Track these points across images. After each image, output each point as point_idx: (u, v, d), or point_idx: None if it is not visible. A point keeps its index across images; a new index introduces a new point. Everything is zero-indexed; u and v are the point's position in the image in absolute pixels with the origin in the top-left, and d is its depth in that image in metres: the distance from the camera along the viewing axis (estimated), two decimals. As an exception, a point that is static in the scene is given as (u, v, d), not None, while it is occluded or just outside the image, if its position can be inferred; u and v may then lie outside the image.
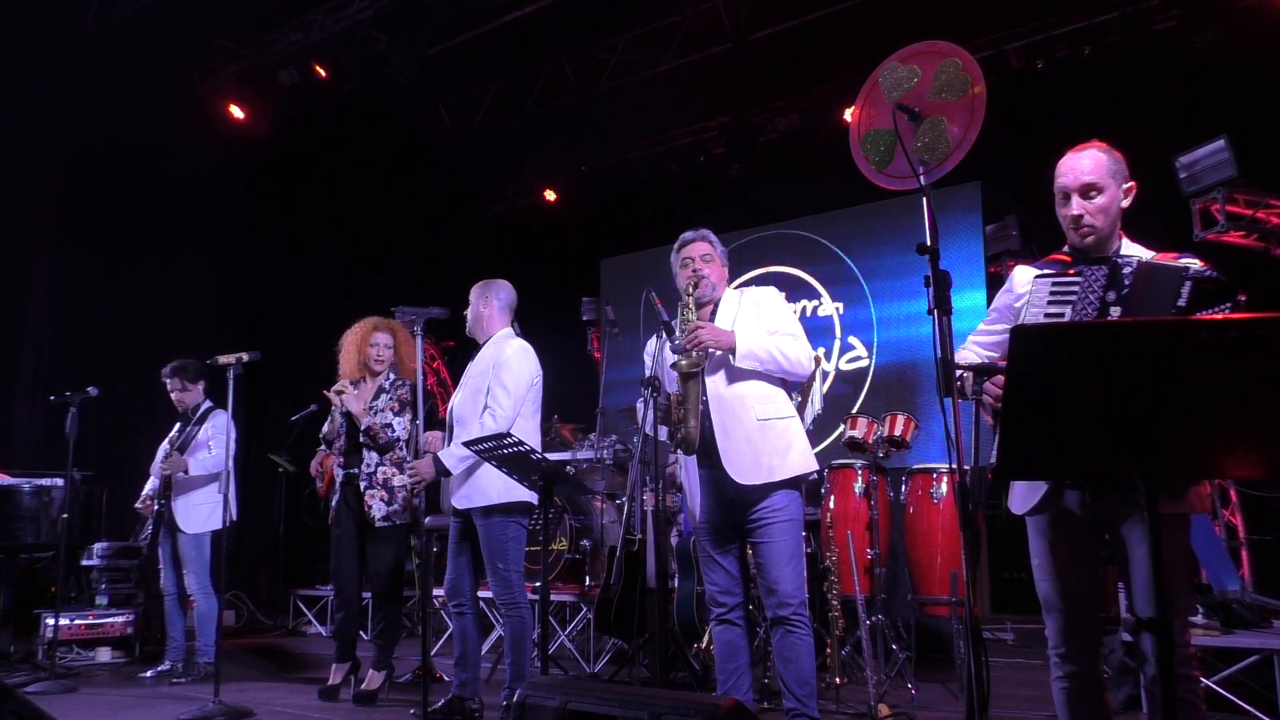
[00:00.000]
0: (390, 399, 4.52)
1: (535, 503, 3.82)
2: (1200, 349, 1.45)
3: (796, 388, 3.30)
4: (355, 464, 4.48)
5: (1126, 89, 6.83)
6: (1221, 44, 6.38)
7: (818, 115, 8.14)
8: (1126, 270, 2.12)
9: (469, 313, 4.12)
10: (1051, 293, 2.20)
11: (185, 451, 5.23)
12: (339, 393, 4.50)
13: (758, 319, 3.19)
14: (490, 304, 4.08)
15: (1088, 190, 2.28)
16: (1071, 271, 2.24)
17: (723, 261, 3.38)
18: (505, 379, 3.85)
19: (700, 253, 3.31)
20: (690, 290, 3.22)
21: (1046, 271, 2.28)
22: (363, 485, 4.43)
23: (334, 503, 4.55)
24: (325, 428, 4.67)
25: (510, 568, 3.83)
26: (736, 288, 3.39)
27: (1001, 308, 2.53)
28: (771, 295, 3.31)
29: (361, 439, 4.44)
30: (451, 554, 3.99)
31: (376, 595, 4.52)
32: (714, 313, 3.28)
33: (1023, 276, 2.43)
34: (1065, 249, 2.42)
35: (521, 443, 3.33)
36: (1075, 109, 7.01)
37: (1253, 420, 1.51)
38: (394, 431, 4.47)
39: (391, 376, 4.60)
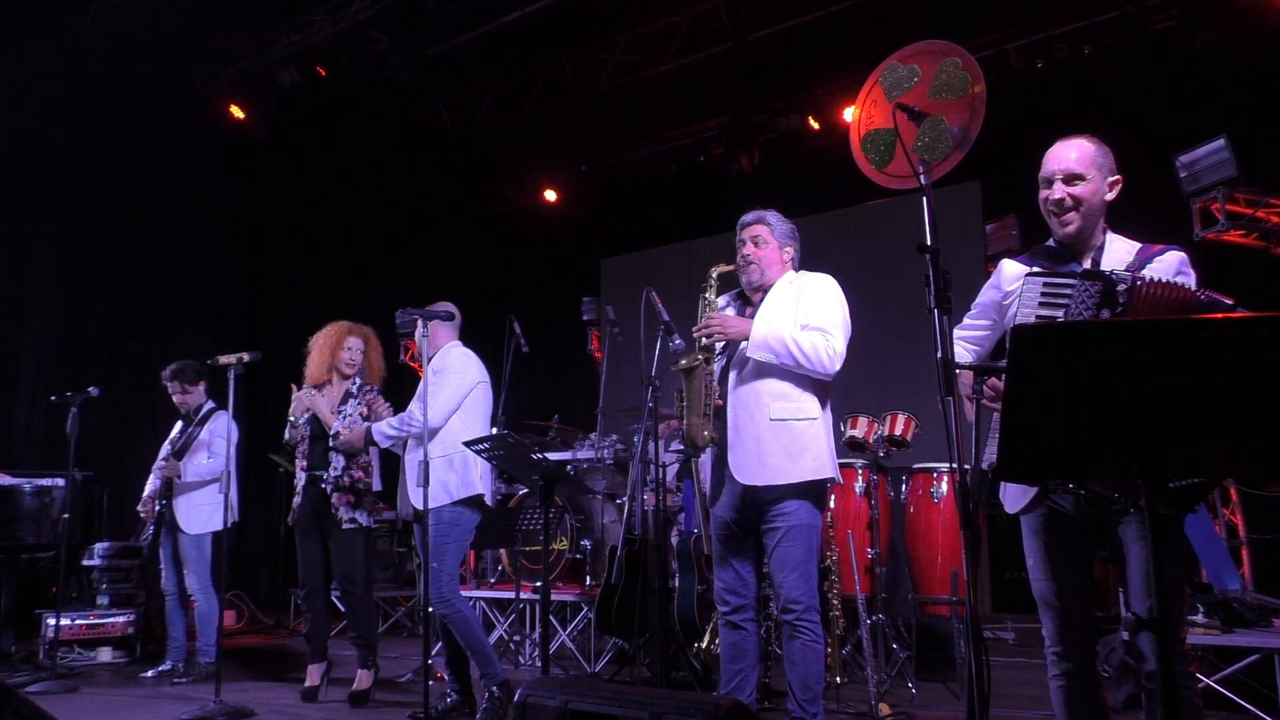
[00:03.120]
0: (359, 404, 4.53)
1: (477, 511, 4.01)
2: (1200, 349, 1.45)
3: (828, 386, 3.16)
4: (321, 467, 4.48)
5: (1126, 89, 6.83)
6: (1221, 44, 6.39)
7: (818, 115, 8.15)
8: (1121, 288, 2.07)
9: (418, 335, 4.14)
10: (1043, 294, 2.16)
11: (187, 452, 5.24)
12: (310, 394, 4.50)
13: (795, 308, 3.07)
14: (437, 326, 4.17)
15: (1071, 179, 2.28)
16: (1063, 274, 2.22)
17: (782, 244, 3.21)
18: (443, 379, 4.03)
19: (752, 235, 3.19)
20: (710, 285, 3.16)
21: (1037, 270, 2.24)
22: (328, 489, 4.43)
23: (295, 504, 4.54)
24: (287, 434, 4.63)
25: (444, 567, 3.90)
26: (797, 272, 3.22)
27: (986, 303, 2.51)
28: (818, 284, 3.13)
29: (331, 443, 4.45)
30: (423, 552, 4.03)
31: (347, 596, 4.52)
32: (763, 299, 3.16)
33: (1011, 271, 2.41)
34: (1049, 241, 2.40)
35: (521, 441, 3.34)
36: (1075, 109, 7.01)
37: (1253, 420, 1.51)
38: None
39: (358, 381, 4.60)
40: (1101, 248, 2.32)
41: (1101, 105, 6.88)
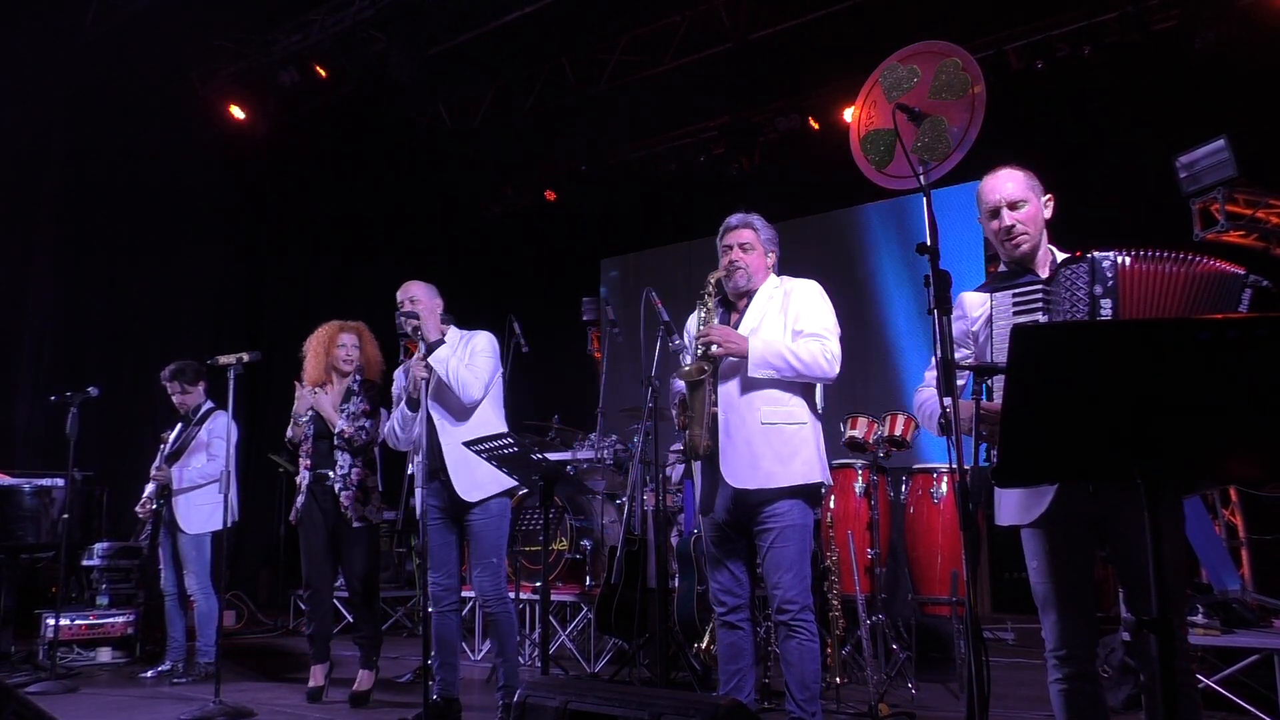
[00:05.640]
0: (362, 401, 4.53)
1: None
2: (1201, 349, 1.45)
3: (815, 390, 3.18)
4: (326, 465, 4.47)
5: (1126, 89, 6.83)
6: (1221, 44, 6.38)
7: (818, 115, 8.15)
8: (1105, 264, 2.16)
9: (420, 309, 3.95)
10: (1015, 303, 2.26)
11: (185, 452, 5.24)
12: (313, 393, 4.49)
13: (785, 316, 3.09)
14: (439, 304, 4.07)
15: (1014, 204, 2.41)
16: (1025, 283, 2.28)
17: (767, 249, 3.21)
18: (480, 360, 3.87)
19: (740, 240, 3.16)
20: (709, 292, 3.15)
21: (1001, 286, 2.33)
22: (337, 487, 4.43)
23: (299, 504, 4.50)
24: (290, 432, 4.61)
25: (502, 561, 3.87)
26: (779, 276, 3.22)
27: (954, 335, 2.49)
28: (806, 290, 3.15)
29: (336, 442, 4.45)
30: (441, 551, 3.90)
31: (354, 595, 4.52)
32: (748, 304, 3.17)
33: (973, 300, 2.49)
34: (1001, 267, 2.49)
35: (522, 442, 3.34)
36: (1075, 109, 7.01)
37: (1253, 420, 1.51)
38: (367, 434, 4.49)
39: (358, 378, 4.60)
40: (1054, 260, 2.42)
41: (1101, 105, 6.87)
